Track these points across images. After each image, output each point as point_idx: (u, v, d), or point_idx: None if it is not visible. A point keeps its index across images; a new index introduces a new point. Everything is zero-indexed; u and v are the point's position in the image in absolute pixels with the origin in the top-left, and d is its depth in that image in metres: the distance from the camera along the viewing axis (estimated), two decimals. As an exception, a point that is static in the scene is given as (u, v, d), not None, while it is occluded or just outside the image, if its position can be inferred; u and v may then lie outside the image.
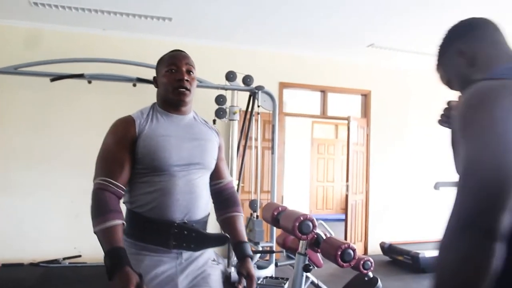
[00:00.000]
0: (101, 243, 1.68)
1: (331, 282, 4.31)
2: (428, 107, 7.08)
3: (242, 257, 1.99)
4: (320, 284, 3.89)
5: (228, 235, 1.95)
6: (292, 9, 4.85)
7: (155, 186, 1.81)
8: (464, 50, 1.31)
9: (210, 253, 2.00)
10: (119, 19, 5.31)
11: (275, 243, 4.98)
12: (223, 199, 2.09)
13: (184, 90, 1.91)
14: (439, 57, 1.42)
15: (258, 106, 5.18)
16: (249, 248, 2.04)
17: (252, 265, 2.04)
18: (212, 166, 2.01)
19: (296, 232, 2.65)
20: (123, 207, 1.85)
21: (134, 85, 4.98)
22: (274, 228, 5.18)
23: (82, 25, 5.58)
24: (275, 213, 3.07)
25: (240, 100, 5.33)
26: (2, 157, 5.44)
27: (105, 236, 1.67)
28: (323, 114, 6.89)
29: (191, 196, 1.84)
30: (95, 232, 1.70)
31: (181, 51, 2.01)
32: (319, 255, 3.47)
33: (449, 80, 1.42)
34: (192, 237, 1.81)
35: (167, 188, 1.80)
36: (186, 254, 1.84)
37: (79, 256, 5.47)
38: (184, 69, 1.92)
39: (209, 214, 1.97)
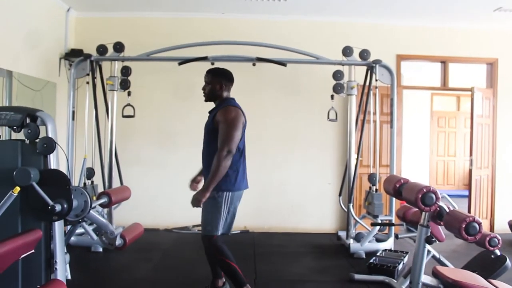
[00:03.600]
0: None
1: (453, 258, 4.22)
2: None
3: None
4: (442, 258, 3.85)
5: None
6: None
7: None
8: (222, 83, 3.41)
9: None
10: (237, 2, 5.58)
11: (395, 217, 4.99)
12: None
13: None
14: (210, 80, 3.43)
15: (376, 80, 5.15)
16: None
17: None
18: None
19: (419, 204, 2.68)
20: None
21: (254, 64, 5.22)
22: (394, 201, 5.18)
23: (203, 10, 5.96)
24: (397, 185, 3.11)
25: (357, 74, 5.33)
26: (139, 136, 6.09)
27: None
28: (444, 86, 6.58)
29: None
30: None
31: None
32: (441, 229, 3.43)
33: (208, 92, 3.45)
34: None
35: None
36: None
37: (207, 224, 5.95)
38: None
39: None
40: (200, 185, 3.52)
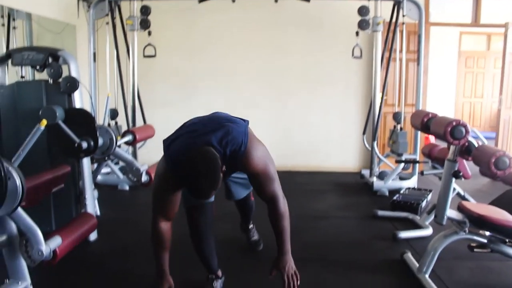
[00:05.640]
0: None
1: (478, 197, 4.18)
2: None
3: None
4: (467, 196, 3.82)
5: None
6: None
7: None
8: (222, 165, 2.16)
9: None
10: None
11: (419, 154, 4.94)
12: None
13: None
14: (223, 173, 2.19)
15: (403, 16, 4.95)
16: None
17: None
18: None
19: (448, 137, 2.62)
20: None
21: (276, 0, 5.07)
22: (418, 140, 5.12)
23: None
24: (425, 119, 3.04)
25: (384, 10, 5.12)
26: (160, 77, 6.06)
27: None
28: (475, 22, 6.29)
29: None
30: None
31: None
32: (467, 166, 3.38)
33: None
34: None
35: None
36: None
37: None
38: None
39: None
40: None
